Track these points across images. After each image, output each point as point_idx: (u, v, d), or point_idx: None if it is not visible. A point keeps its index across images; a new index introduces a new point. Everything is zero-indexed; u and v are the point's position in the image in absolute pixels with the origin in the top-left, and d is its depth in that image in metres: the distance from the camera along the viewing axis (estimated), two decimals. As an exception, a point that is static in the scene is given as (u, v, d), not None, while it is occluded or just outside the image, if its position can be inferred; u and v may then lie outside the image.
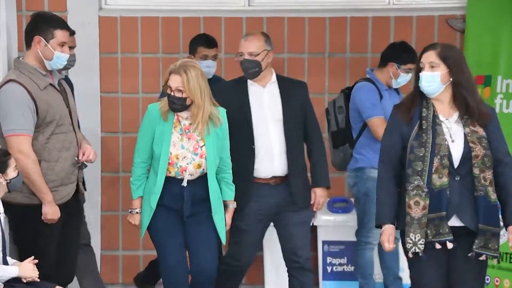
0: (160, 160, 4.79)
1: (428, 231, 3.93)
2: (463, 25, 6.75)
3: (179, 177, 4.78)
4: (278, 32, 6.75)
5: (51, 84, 4.79)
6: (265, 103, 5.07)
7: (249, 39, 5.13)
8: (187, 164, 4.76)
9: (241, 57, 5.12)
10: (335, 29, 6.72)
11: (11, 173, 4.40)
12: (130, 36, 7.01)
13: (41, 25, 4.78)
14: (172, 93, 4.61)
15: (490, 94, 6.40)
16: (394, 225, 4.02)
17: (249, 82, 5.11)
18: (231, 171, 5.03)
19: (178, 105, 4.63)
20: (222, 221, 4.91)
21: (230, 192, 4.98)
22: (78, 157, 4.84)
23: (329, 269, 6.82)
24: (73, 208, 4.97)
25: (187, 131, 4.74)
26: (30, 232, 4.89)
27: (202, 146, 4.77)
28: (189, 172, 4.76)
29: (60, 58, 4.79)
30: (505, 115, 6.22)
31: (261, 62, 4.98)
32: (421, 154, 3.93)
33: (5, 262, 4.31)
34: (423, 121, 4.02)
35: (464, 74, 3.96)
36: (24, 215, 4.83)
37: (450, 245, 3.88)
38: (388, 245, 3.93)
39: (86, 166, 5.00)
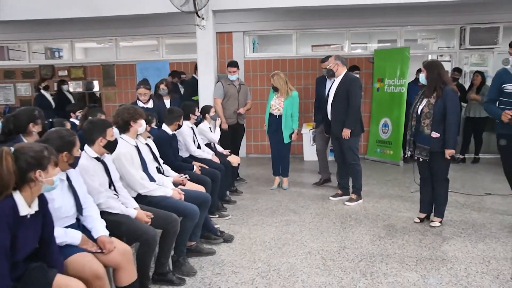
0: (267, 106, 6.30)
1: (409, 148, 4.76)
2: (373, 60, 8.63)
3: (272, 113, 6.20)
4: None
5: (233, 84, 6.51)
6: (332, 88, 5.64)
7: (328, 60, 5.78)
8: (275, 108, 6.17)
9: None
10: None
11: (211, 113, 5.96)
12: (254, 66, 9.15)
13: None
14: (272, 85, 6.13)
15: (383, 85, 8.27)
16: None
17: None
18: (297, 118, 6.15)
19: (274, 89, 6.12)
20: (286, 133, 6.13)
21: (294, 125, 6.15)
22: (237, 110, 6.59)
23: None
24: (236, 128, 6.68)
25: (279, 96, 6.13)
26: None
27: (281, 103, 6.10)
28: (275, 112, 6.17)
29: (230, 77, 6.48)
30: (389, 93, 8.17)
31: (333, 69, 5.56)
32: (411, 111, 4.72)
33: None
34: (416, 96, 4.73)
35: (433, 74, 4.44)
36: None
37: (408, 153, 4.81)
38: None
39: (241, 114, 6.64)
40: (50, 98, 8.10)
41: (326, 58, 6.19)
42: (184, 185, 4.15)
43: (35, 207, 2.26)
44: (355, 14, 8.25)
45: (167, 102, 6.38)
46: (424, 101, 4.51)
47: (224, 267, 3.93)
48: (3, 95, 10.27)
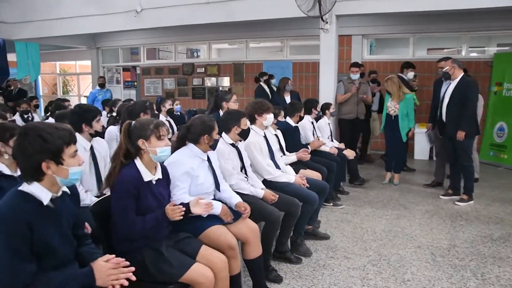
0: (384, 106, 6.07)
1: None
2: (491, 64, 7.99)
3: (388, 113, 5.92)
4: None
5: (353, 83, 6.47)
6: (448, 90, 5.28)
7: (445, 62, 5.38)
8: (391, 109, 5.90)
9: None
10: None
11: (331, 110, 5.76)
12: (371, 67, 8.39)
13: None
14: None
15: (502, 89, 7.62)
16: None
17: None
18: (413, 117, 5.86)
19: (387, 92, 5.90)
20: (403, 132, 5.83)
21: (411, 124, 5.87)
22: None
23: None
24: (355, 123, 6.58)
25: (393, 99, 5.87)
26: None
27: (397, 105, 5.85)
28: (391, 113, 5.90)
29: (352, 76, 6.46)
30: (507, 96, 7.48)
31: (449, 72, 5.21)
32: None
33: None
34: None
35: None
36: None
37: None
38: None
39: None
40: (268, 90, 8.13)
41: (443, 58, 5.76)
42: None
43: (158, 175, 2.38)
44: (473, 17, 7.54)
45: (288, 98, 6.36)
46: None
47: (337, 252, 3.88)
48: (153, 88, 11.22)
